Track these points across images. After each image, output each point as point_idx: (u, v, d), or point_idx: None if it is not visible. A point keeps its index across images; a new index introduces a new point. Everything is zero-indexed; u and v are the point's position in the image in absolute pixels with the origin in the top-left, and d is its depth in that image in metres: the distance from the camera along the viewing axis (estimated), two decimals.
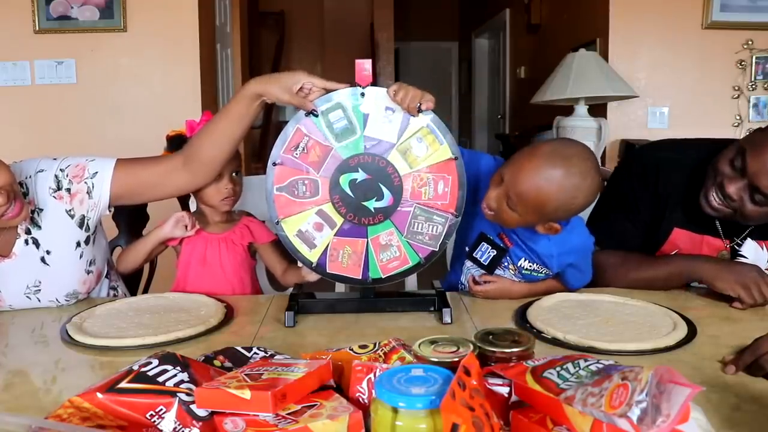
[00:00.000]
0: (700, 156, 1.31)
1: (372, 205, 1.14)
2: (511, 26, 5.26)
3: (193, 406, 0.65)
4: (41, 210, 1.22)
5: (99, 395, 0.66)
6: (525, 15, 4.63)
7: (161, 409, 0.65)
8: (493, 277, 1.26)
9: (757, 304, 1.17)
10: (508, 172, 1.12)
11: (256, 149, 5.14)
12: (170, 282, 1.42)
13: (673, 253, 1.36)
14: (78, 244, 1.26)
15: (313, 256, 1.16)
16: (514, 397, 0.65)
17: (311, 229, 1.15)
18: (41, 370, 0.95)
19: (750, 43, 3.20)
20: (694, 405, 0.56)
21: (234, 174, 1.35)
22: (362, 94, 1.12)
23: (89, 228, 1.27)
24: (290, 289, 1.37)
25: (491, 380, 0.67)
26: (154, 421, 0.65)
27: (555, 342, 1.01)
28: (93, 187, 1.24)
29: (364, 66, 1.12)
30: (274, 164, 1.14)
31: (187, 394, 0.67)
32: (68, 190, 1.24)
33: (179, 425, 0.65)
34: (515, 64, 5.14)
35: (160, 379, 0.69)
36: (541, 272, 1.27)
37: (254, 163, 4.67)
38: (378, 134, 1.13)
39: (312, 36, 6.62)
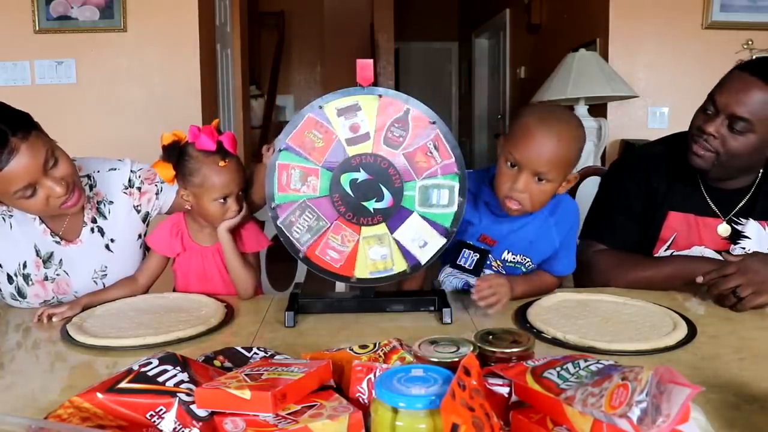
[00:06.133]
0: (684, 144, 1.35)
1: (371, 205, 1.14)
2: (511, 26, 5.26)
3: (193, 406, 0.65)
4: (111, 202, 1.37)
5: (99, 395, 0.66)
6: (525, 15, 4.62)
7: (161, 409, 0.65)
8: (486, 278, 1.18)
9: (750, 294, 1.14)
10: (519, 154, 1.14)
11: (255, 149, 5.14)
12: (170, 282, 1.42)
13: (672, 237, 1.37)
14: (139, 236, 1.42)
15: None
16: (514, 397, 0.65)
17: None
18: (41, 370, 0.95)
19: (750, 43, 3.20)
20: (694, 405, 0.56)
21: (239, 193, 1.31)
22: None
23: (148, 224, 1.44)
24: (290, 289, 1.37)
25: (491, 380, 0.67)
26: (154, 422, 0.65)
27: (555, 342, 1.01)
28: (161, 191, 1.41)
29: (365, 66, 1.12)
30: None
31: (187, 394, 0.67)
32: (139, 188, 1.40)
33: (179, 425, 0.65)
34: (515, 64, 5.14)
35: (160, 379, 0.69)
36: (524, 263, 1.29)
37: (254, 163, 4.66)
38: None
39: (312, 36, 6.62)
